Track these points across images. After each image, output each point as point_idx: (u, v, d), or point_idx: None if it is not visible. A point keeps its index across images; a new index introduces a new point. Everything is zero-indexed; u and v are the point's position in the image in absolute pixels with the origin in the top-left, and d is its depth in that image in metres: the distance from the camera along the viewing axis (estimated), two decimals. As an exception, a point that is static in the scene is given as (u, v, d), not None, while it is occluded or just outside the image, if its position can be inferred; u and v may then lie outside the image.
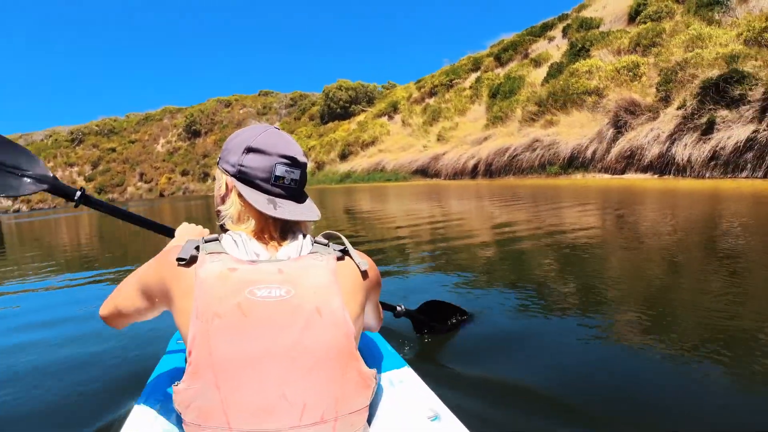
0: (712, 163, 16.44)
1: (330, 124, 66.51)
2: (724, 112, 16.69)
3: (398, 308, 3.06)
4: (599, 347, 3.13)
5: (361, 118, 59.84)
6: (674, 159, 17.71)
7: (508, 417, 2.28)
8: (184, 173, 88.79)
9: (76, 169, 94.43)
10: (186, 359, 1.42)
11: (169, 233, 2.35)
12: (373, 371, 1.53)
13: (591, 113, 24.11)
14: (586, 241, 7.81)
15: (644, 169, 19.14)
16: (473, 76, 44.05)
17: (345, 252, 1.62)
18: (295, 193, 1.62)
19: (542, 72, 32.98)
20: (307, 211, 1.60)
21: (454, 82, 45.47)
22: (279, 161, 1.56)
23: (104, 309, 1.76)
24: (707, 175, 16.42)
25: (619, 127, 20.97)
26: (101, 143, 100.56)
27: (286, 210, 1.55)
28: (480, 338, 3.39)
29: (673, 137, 18.04)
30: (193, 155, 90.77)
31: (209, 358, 1.37)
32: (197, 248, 1.50)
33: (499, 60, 41.95)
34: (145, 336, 3.74)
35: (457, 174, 31.78)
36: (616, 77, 23.97)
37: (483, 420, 2.11)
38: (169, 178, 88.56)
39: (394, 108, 52.10)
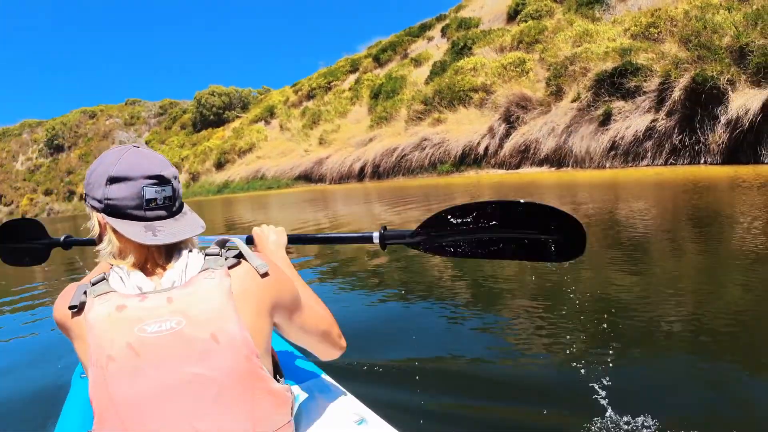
0: (612, 153, 16.16)
1: (203, 132, 62.86)
2: (620, 103, 16.51)
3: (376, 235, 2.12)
4: (491, 335, 3.63)
5: (236, 124, 57.32)
6: (572, 151, 17.38)
7: (416, 402, 2.55)
8: (47, 192, 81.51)
9: None
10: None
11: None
12: (287, 386, 1.50)
13: (479, 110, 23.65)
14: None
15: (540, 163, 18.74)
16: (352, 77, 43.11)
17: (240, 256, 1.48)
18: (172, 210, 1.47)
19: (424, 71, 32.46)
20: (189, 227, 1.47)
21: (332, 84, 44.30)
22: (145, 183, 1.40)
23: None
24: (607, 165, 16.14)
25: (510, 122, 20.52)
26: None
27: (168, 233, 1.41)
28: (382, 337, 3.77)
29: (569, 130, 17.72)
30: (57, 172, 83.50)
31: (111, 403, 1.32)
32: (85, 293, 1.39)
33: (378, 61, 41.23)
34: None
35: (343, 177, 30.53)
36: (502, 73, 23.64)
37: (407, 415, 2.26)
38: (32, 199, 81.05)
39: (270, 113, 50.09)
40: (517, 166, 19.64)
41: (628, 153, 15.73)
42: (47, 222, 51.75)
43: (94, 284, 1.41)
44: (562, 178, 16.16)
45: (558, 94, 19.46)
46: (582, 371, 2.62)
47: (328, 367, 1.97)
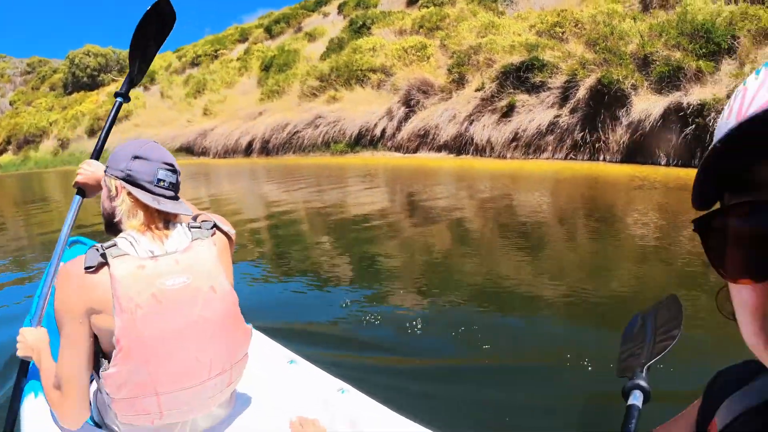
0: (514, 144, 16.14)
1: (75, 95, 57.55)
2: (524, 96, 16.53)
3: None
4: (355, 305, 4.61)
5: (111, 88, 53.42)
6: (473, 139, 17.23)
7: (339, 357, 3.37)
8: None
9: None
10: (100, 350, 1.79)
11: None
12: (250, 326, 2.03)
13: (376, 91, 23.11)
14: (377, 220, 8.72)
15: (439, 149, 18.49)
16: (241, 47, 41.25)
17: (214, 228, 1.99)
18: (173, 195, 1.89)
19: (318, 47, 31.48)
20: (183, 208, 1.90)
21: (219, 52, 42.22)
22: (160, 166, 1.85)
23: (69, 411, 1.81)
24: (509, 155, 16.10)
25: (410, 106, 20.10)
26: None
27: (168, 205, 1.83)
28: (291, 308, 4.71)
29: (471, 118, 17.55)
30: None
31: (139, 341, 1.70)
32: (103, 255, 1.71)
33: (270, 32, 39.69)
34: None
35: (229, 152, 28.96)
36: (403, 56, 23.21)
37: (326, 361, 2.66)
38: None
39: (150, 78, 46.92)
40: (415, 150, 19.29)
41: (530, 145, 15.76)
42: None
43: (107, 248, 1.74)
44: (462, 165, 16.04)
45: (460, 82, 19.26)
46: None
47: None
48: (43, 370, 1.93)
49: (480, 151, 16.98)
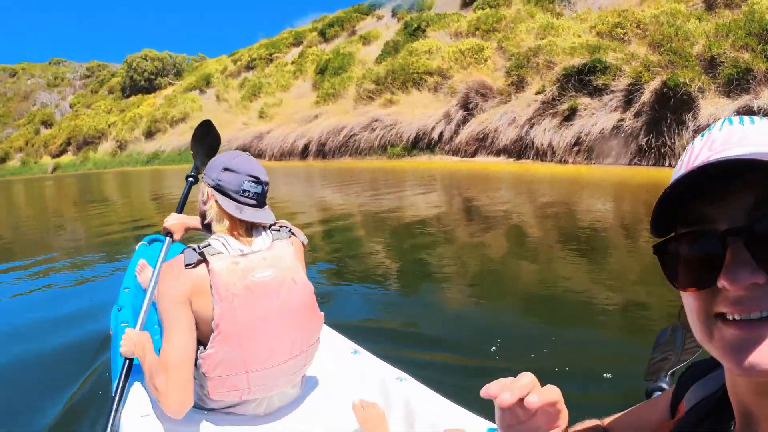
0: (576, 148, 15.95)
1: (133, 98, 59.04)
2: (586, 100, 16.31)
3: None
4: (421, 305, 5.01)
5: (168, 91, 54.53)
6: (533, 143, 17.06)
7: (395, 347, 3.64)
8: None
9: None
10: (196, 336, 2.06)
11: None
12: (323, 314, 2.36)
13: (433, 94, 23.11)
14: (434, 224, 8.95)
15: (498, 153, 18.36)
16: (295, 50, 41.71)
17: (290, 232, 2.32)
18: (257, 202, 2.18)
19: (373, 50, 31.64)
20: (264, 216, 2.19)
21: (274, 56, 42.76)
22: (246, 179, 2.13)
23: (175, 398, 1.98)
24: (570, 160, 15.91)
25: (469, 109, 20.02)
26: None
27: (249, 214, 2.14)
28: (355, 305, 5.04)
29: (531, 122, 17.37)
30: None
31: (234, 325, 2.01)
32: (200, 253, 2.01)
33: (324, 35, 40.02)
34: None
35: (285, 154, 29.34)
36: (459, 59, 23.14)
37: (386, 353, 2.79)
38: (-59, 161, 75.31)
39: (206, 82, 47.84)
40: (473, 155, 19.20)
41: (592, 150, 15.55)
42: None
43: (202, 247, 2.02)
44: (522, 169, 15.90)
45: (519, 84, 19.10)
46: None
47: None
48: (148, 364, 2.12)
49: (540, 155, 16.81)
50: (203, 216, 2.21)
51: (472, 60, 22.70)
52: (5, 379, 3.79)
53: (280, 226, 2.30)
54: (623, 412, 1.15)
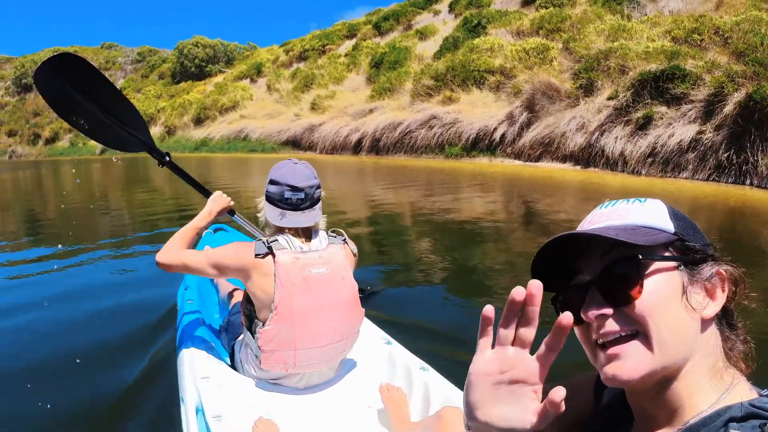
0: (650, 160, 15.31)
1: (183, 84, 59.73)
2: (662, 109, 15.62)
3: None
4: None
5: (219, 79, 54.79)
6: (603, 151, 16.41)
7: (423, 341, 3.96)
8: (10, 134, 77.22)
9: None
10: (240, 312, 2.96)
11: (207, 194, 3.41)
12: (364, 309, 2.82)
13: (495, 93, 22.56)
14: (488, 228, 8.83)
15: (563, 159, 17.77)
16: (349, 43, 41.40)
17: (344, 241, 2.77)
18: (300, 207, 2.63)
19: (429, 45, 31.16)
20: (308, 219, 2.65)
21: (327, 47, 42.53)
22: (286, 189, 2.61)
23: (167, 259, 2.77)
24: (643, 172, 15.27)
25: (534, 111, 19.42)
26: None
27: (290, 220, 2.62)
28: (395, 301, 5.38)
29: (602, 128, 16.72)
30: (23, 113, 78.81)
31: (290, 310, 2.48)
32: (269, 247, 2.54)
33: (378, 29, 39.63)
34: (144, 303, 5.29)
35: (337, 148, 29.05)
36: (524, 58, 22.54)
37: (412, 345, 3.15)
38: (-8, 138, 77.25)
39: (257, 71, 47.83)
40: (537, 159, 18.61)
41: (668, 162, 14.87)
42: (7, 166, 49.45)
43: (271, 242, 2.57)
44: (590, 178, 15.33)
45: (588, 88, 18.43)
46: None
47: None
48: (192, 223, 3.01)
49: (611, 165, 16.14)
50: (262, 218, 2.80)
51: (536, 60, 22.08)
52: (85, 346, 4.36)
53: (337, 234, 2.78)
54: (578, 377, 1.22)
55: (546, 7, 26.77)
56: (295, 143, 32.84)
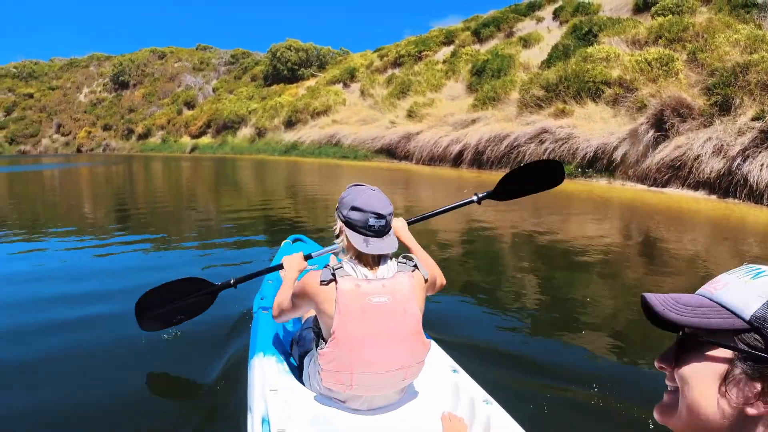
0: (806, 192, 13.59)
1: (275, 87, 60.42)
2: (822, 132, 13.86)
3: (474, 197, 4.02)
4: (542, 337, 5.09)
5: (311, 83, 54.89)
6: (745, 180, 14.64)
7: (493, 370, 3.94)
8: (106, 128, 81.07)
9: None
10: (298, 332, 3.30)
11: (279, 267, 3.54)
12: (430, 340, 2.85)
13: (612, 107, 21.05)
14: (594, 256, 8.13)
15: (696, 186, 16.11)
16: (446, 49, 40.36)
17: (415, 266, 2.70)
18: (381, 233, 2.60)
19: (533, 53, 29.83)
20: (387, 245, 2.61)
21: (423, 53, 41.64)
22: (371, 216, 2.56)
23: (277, 320, 3.06)
24: (798, 206, 13.56)
25: (663, 129, 17.78)
26: (18, 87, 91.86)
27: (374, 247, 2.56)
28: (464, 319, 5.39)
29: (745, 153, 15.00)
30: (118, 109, 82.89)
31: (346, 336, 2.49)
32: (333, 274, 2.54)
33: (478, 35, 38.44)
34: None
35: (434, 159, 27.96)
36: (646, 70, 20.93)
37: (480, 374, 3.12)
38: (89, 132, 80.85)
39: (351, 75, 47.49)
40: (665, 185, 17.00)
41: (830, 195, 13.18)
42: (101, 159, 51.54)
43: (336, 269, 2.57)
44: (727, 211, 13.63)
45: (723, 105, 16.75)
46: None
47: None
48: (283, 288, 3.09)
49: (755, 197, 14.30)
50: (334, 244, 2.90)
51: (660, 72, 20.45)
52: (159, 346, 4.55)
53: (407, 260, 2.75)
54: None
55: (664, 15, 24.95)
56: (389, 152, 32.02)
